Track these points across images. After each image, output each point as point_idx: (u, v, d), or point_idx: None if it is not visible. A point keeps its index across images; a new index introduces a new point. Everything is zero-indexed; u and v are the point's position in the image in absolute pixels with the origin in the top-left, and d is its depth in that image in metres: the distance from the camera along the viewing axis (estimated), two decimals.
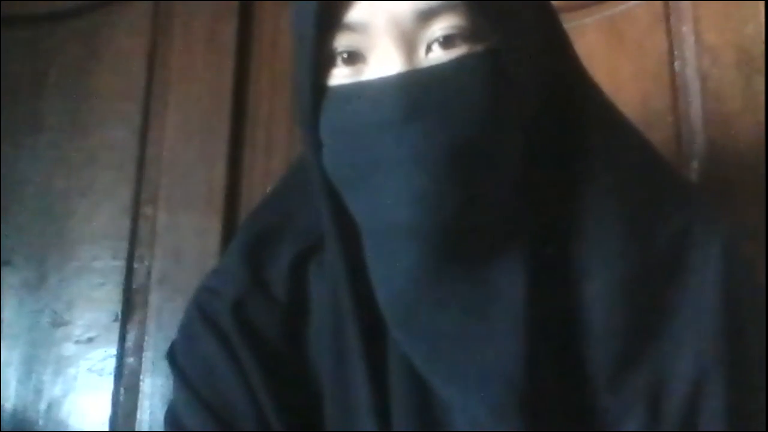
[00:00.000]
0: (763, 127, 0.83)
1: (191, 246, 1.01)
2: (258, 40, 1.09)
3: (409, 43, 0.48)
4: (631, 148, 0.58)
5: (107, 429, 0.98)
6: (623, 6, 0.94)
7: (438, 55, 0.49)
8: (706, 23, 0.90)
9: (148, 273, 1.02)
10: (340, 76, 0.51)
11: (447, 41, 0.49)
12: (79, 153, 1.09)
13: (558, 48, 0.57)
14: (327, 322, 0.56)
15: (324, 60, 0.51)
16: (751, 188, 0.83)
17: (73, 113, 1.10)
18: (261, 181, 1.03)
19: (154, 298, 1.01)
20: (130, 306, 1.02)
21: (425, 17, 0.48)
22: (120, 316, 1.02)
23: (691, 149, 0.88)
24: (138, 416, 0.97)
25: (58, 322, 1.03)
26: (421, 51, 0.49)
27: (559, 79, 0.55)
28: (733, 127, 0.86)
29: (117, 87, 1.10)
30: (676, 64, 0.90)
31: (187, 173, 1.04)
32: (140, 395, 0.98)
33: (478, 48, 0.49)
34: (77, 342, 1.02)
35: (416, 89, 0.48)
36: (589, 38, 0.94)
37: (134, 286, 1.03)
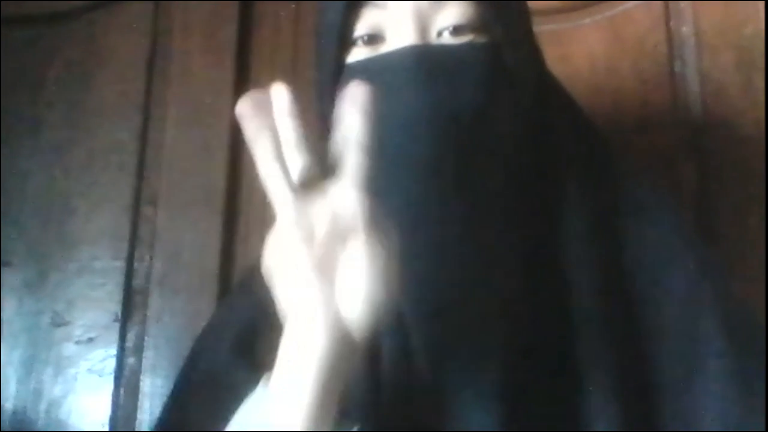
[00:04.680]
0: (763, 127, 0.84)
1: (191, 246, 1.01)
2: (258, 40, 1.09)
3: (423, 25, 0.55)
4: (592, 139, 0.63)
5: (107, 429, 0.98)
6: (623, 6, 0.94)
7: (448, 41, 0.55)
8: (706, 23, 0.90)
9: (148, 273, 1.02)
10: (360, 55, 0.57)
11: (456, 30, 0.55)
12: (79, 153, 1.09)
13: (537, 49, 0.63)
14: None
15: (345, 44, 0.57)
16: (751, 188, 0.84)
17: (73, 113, 1.10)
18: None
19: (154, 298, 1.01)
20: (130, 306, 1.02)
21: (440, 4, 0.55)
22: (120, 316, 1.02)
23: (691, 149, 0.88)
24: (138, 416, 0.97)
25: (58, 322, 1.03)
26: (433, 35, 0.55)
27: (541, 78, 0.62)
28: (733, 127, 0.86)
29: (117, 87, 1.10)
30: (676, 64, 0.90)
31: (187, 173, 1.04)
32: (140, 395, 0.98)
33: (483, 39, 0.55)
34: (77, 342, 1.02)
35: (429, 60, 0.54)
36: (589, 38, 0.94)
37: (134, 286, 1.03)
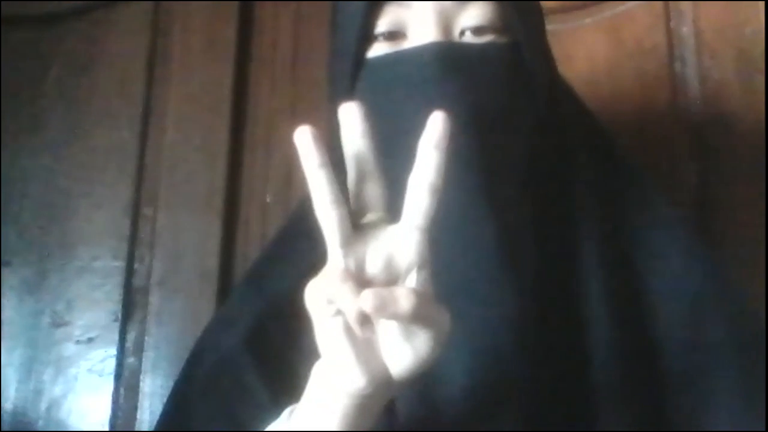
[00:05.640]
0: (763, 127, 0.84)
1: (191, 246, 1.01)
2: (258, 40, 1.09)
3: (446, 24, 0.56)
4: (601, 142, 0.64)
5: (107, 429, 0.98)
6: (623, 6, 0.94)
7: (470, 40, 0.56)
8: (706, 23, 0.90)
9: (148, 273, 1.02)
10: (380, 50, 0.57)
11: (478, 30, 0.56)
12: (79, 153, 1.09)
13: (550, 51, 0.63)
14: None
15: (366, 40, 0.57)
16: (751, 188, 0.84)
17: (73, 113, 1.10)
18: (261, 181, 1.03)
19: (154, 298, 1.01)
20: (130, 306, 1.02)
21: (463, 4, 0.56)
22: (120, 316, 1.02)
23: (690, 149, 0.88)
24: (138, 416, 0.97)
25: (58, 322, 1.03)
26: (455, 34, 0.56)
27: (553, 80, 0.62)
28: (733, 127, 0.86)
29: (117, 87, 1.10)
30: (676, 64, 0.90)
31: (187, 173, 1.04)
32: (140, 395, 0.98)
33: (504, 39, 0.56)
34: (77, 342, 1.02)
35: (452, 56, 0.55)
36: (589, 38, 0.94)
37: (134, 286, 1.03)
